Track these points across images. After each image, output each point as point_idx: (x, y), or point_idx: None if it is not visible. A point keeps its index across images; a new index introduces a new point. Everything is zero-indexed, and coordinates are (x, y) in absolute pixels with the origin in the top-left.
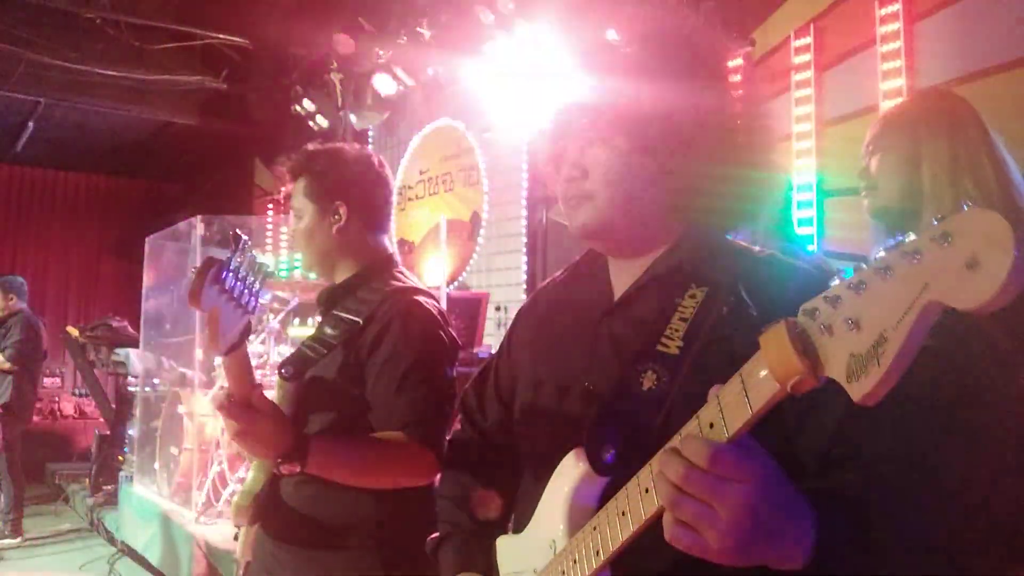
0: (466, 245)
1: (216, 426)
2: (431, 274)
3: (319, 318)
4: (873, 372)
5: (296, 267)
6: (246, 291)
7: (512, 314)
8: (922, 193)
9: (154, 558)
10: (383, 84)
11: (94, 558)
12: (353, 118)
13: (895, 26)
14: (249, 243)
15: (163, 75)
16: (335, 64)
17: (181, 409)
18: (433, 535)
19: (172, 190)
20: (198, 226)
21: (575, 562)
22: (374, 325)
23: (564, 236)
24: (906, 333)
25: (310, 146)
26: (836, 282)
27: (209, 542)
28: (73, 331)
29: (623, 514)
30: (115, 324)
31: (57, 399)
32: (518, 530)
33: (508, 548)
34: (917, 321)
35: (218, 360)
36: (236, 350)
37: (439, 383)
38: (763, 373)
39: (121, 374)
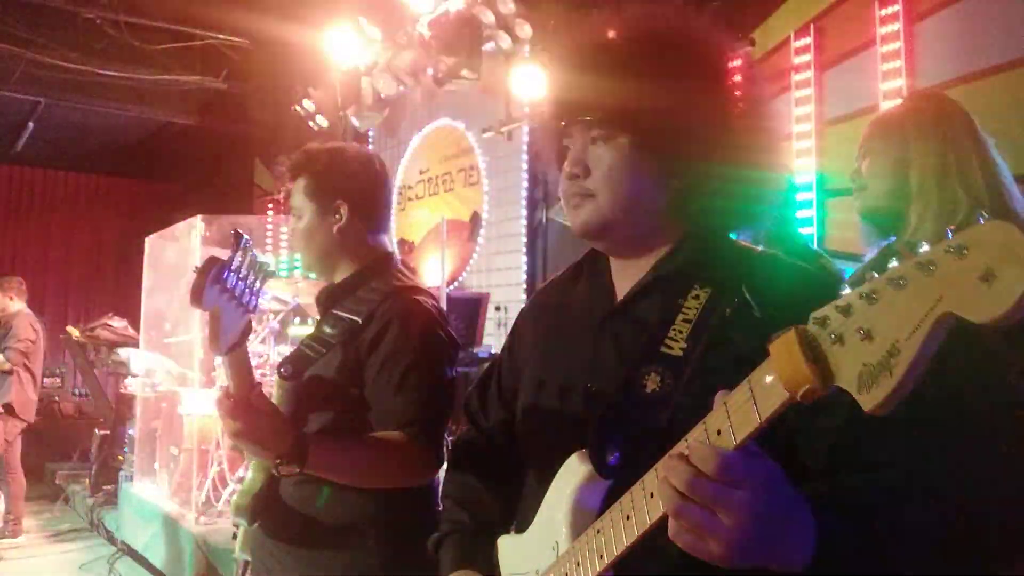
0: (466, 245)
1: (216, 426)
2: (431, 274)
3: (319, 317)
4: (885, 383)
5: (296, 267)
6: (247, 290)
7: (512, 314)
8: (910, 195)
9: (154, 558)
10: (383, 84)
11: (94, 558)
12: (353, 118)
13: (895, 26)
14: (250, 242)
15: (163, 75)
16: (335, 64)
17: (181, 409)
18: (435, 534)
19: (172, 190)
20: (198, 226)
21: (578, 564)
22: (374, 324)
23: (564, 236)
24: (919, 344)
25: (310, 146)
26: (847, 290)
27: (209, 542)
28: (73, 331)
29: (628, 518)
30: (115, 324)
31: (57, 399)
32: (520, 531)
33: (510, 548)
34: (930, 333)
35: (218, 360)
36: (237, 349)
37: (438, 383)
38: (772, 381)
39: (121, 374)
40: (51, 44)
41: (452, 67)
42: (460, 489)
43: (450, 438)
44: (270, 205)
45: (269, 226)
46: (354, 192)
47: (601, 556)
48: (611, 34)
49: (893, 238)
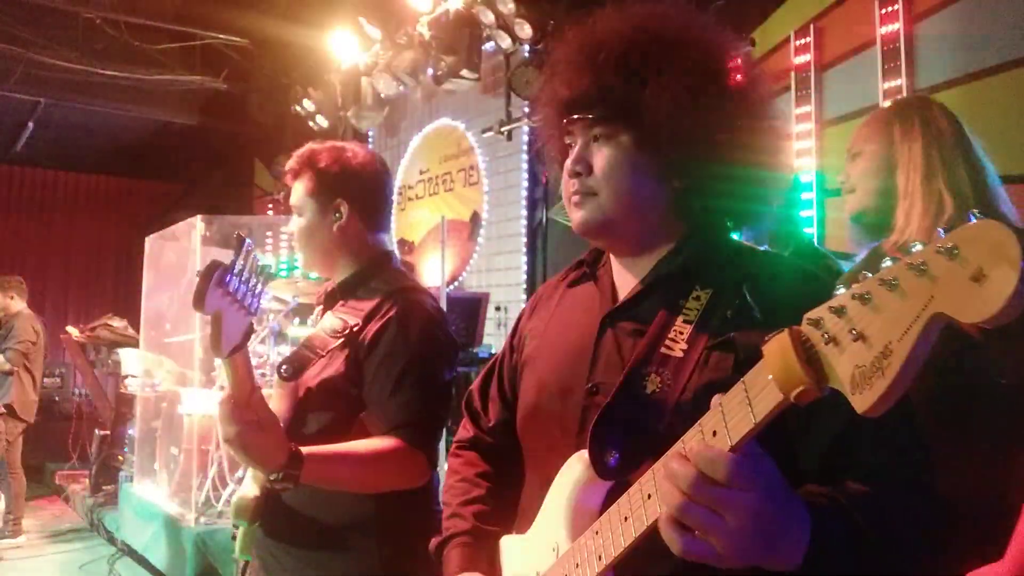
0: (466, 245)
1: (216, 426)
2: (431, 274)
3: (318, 318)
4: (878, 384)
5: (296, 267)
6: (248, 293)
7: (512, 314)
8: (897, 196)
9: (154, 558)
10: (383, 84)
11: (94, 558)
12: (353, 119)
13: (895, 26)
14: (252, 245)
15: (163, 75)
16: (335, 64)
17: (181, 409)
18: (437, 536)
19: (172, 190)
20: (198, 226)
21: (577, 566)
22: (372, 325)
23: (564, 236)
24: (911, 345)
25: (311, 145)
26: (841, 291)
27: (209, 542)
28: (73, 331)
29: (625, 519)
30: (115, 324)
31: (57, 399)
32: (522, 531)
33: (512, 549)
34: (922, 333)
35: (218, 361)
36: (238, 352)
37: (434, 385)
38: (767, 382)
39: (121, 374)
40: (51, 44)
41: (452, 67)
42: (461, 491)
43: (451, 438)
44: (270, 205)
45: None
46: (355, 191)
47: (600, 557)
48: (613, 32)
49: (882, 239)
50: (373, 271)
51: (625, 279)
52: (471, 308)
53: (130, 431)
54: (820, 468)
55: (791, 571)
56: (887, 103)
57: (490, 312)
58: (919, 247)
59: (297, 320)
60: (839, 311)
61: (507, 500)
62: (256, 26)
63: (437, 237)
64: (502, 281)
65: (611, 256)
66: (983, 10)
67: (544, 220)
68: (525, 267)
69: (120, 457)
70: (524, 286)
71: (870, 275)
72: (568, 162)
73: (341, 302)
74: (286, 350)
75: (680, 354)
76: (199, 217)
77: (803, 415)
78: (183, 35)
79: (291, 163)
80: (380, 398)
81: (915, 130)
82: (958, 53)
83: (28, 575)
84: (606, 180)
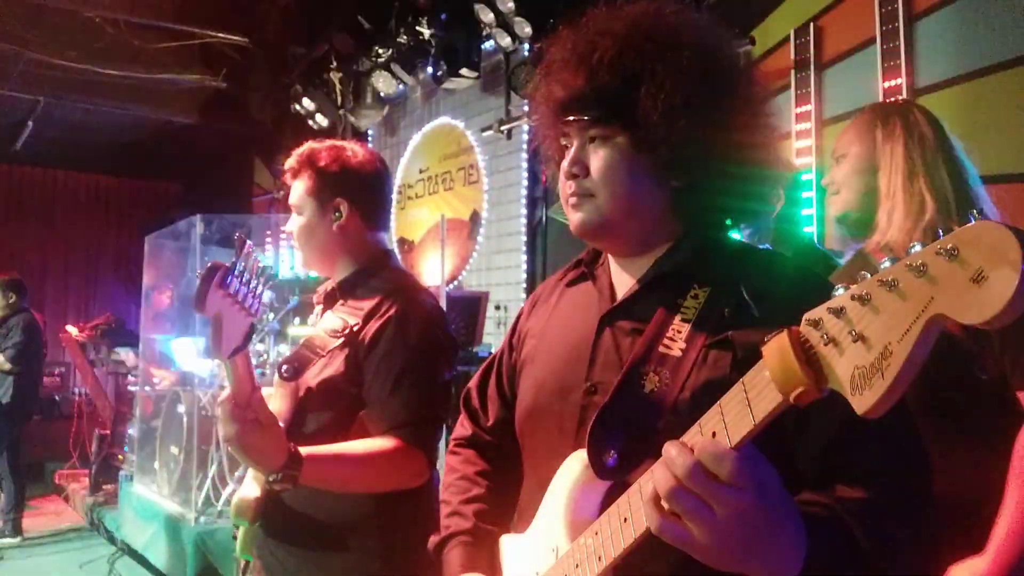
0: (466, 244)
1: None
2: (431, 273)
3: (318, 317)
4: (877, 385)
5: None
6: (249, 295)
7: (512, 313)
8: (879, 198)
9: (154, 558)
10: (383, 84)
11: (94, 558)
12: (352, 118)
13: (895, 25)
14: (253, 247)
15: (163, 74)
16: (335, 64)
17: (181, 409)
18: (436, 535)
19: (172, 190)
20: (198, 226)
21: (577, 566)
22: (372, 324)
23: (564, 235)
24: (910, 346)
25: (311, 144)
26: (840, 291)
27: (209, 542)
28: (73, 331)
29: (625, 520)
30: (115, 324)
31: (57, 399)
32: (520, 531)
33: (511, 549)
34: (922, 335)
35: (217, 361)
36: (239, 353)
37: (433, 384)
38: (766, 383)
39: (121, 374)
40: (51, 44)
41: (452, 66)
42: (460, 489)
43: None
44: (270, 204)
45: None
46: (354, 190)
47: (600, 558)
48: (607, 32)
49: (866, 240)
50: (373, 270)
51: (623, 278)
52: (471, 307)
53: (130, 431)
54: (816, 469)
55: None
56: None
57: (490, 311)
58: (919, 248)
59: (297, 320)
60: (838, 312)
61: (506, 499)
62: (256, 26)
63: (437, 236)
64: (502, 280)
65: (609, 255)
66: (983, 10)
67: (544, 219)
68: (525, 266)
69: (120, 457)
70: (524, 285)
71: (869, 275)
72: (564, 164)
73: (341, 301)
74: (286, 350)
75: (678, 353)
76: (199, 217)
77: (799, 415)
78: (183, 34)
79: (291, 162)
80: (379, 397)
81: (897, 133)
82: (958, 53)
83: (28, 575)
84: (603, 182)
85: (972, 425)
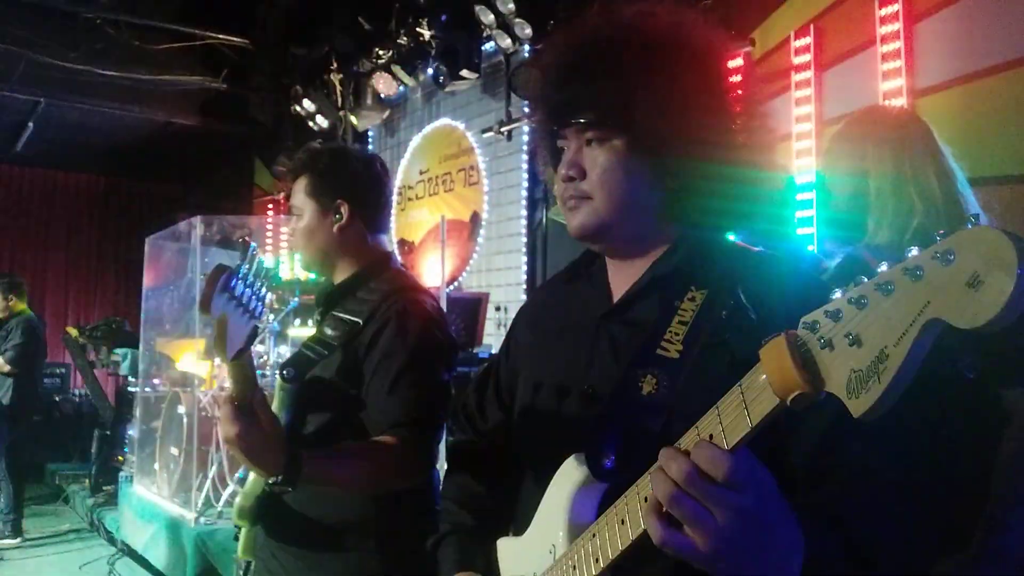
0: (466, 245)
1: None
2: (431, 274)
3: (318, 318)
4: (874, 388)
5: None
6: (253, 297)
7: (512, 314)
8: (869, 202)
9: (154, 558)
10: (383, 84)
11: (94, 558)
12: (353, 119)
13: (895, 26)
14: (257, 250)
15: (163, 75)
16: (335, 64)
17: (181, 409)
18: (434, 534)
19: (172, 190)
20: (198, 226)
21: (574, 568)
22: (372, 325)
23: (564, 236)
24: (907, 350)
25: (312, 145)
26: (837, 295)
27: (209, 542)
28: (73, 331)
29: (622, 522)
30: (115, 324)
31: (57, 399)
32: (519, 533)
33: (509, 551)
34: (917, 339)
35: (218, 361)
36: (242, 355)
37: (432, 385)
38: (763, 386)
39: (121, 374)
40: (51, 44)
41: (452, 67)
42: (459, 490)
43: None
44: (270, 205)
45: (269, 226)
46: (355, 192)
47: (597, 560)
48: (604, 35)
49: (853, 247)
50: (373, 272)
51: (620, 281)
52: (471, 308)
53: (130, 431)
54: (809, 467)
55: None
56: (888, 103)
57: (490, 312)
58: (915, 251)
59: (298, 321)
60: (835, 315)
61: (504, 501)
62: (256, 26)
63: (437, 237)
64: (502, 281)
65: (606, 258)
66: (983, 10)
67: (544, 220)
68: (525, 267)
69: (120, 457)
70: (524, 286)
71: (866, 279)
72: (561, 167)
73: (342, 303)
74: (286, 350)
75: (675, 355)
76: (199, 217)
77: (793, 416)
78: (183, 35)
79: (291, 164)
80: (378, 397)
81: (886, 138)
82: (958, 53)
83: (28, 575)
84: (600, 184)
85: (960, 420)
